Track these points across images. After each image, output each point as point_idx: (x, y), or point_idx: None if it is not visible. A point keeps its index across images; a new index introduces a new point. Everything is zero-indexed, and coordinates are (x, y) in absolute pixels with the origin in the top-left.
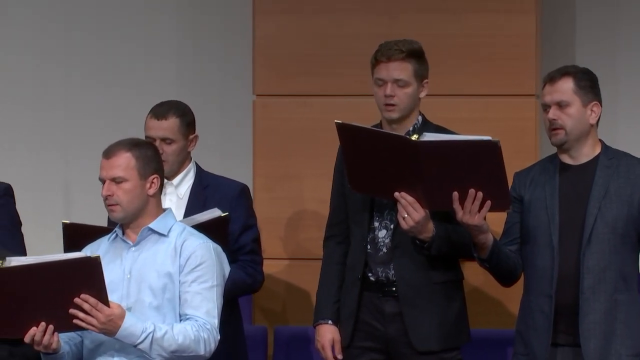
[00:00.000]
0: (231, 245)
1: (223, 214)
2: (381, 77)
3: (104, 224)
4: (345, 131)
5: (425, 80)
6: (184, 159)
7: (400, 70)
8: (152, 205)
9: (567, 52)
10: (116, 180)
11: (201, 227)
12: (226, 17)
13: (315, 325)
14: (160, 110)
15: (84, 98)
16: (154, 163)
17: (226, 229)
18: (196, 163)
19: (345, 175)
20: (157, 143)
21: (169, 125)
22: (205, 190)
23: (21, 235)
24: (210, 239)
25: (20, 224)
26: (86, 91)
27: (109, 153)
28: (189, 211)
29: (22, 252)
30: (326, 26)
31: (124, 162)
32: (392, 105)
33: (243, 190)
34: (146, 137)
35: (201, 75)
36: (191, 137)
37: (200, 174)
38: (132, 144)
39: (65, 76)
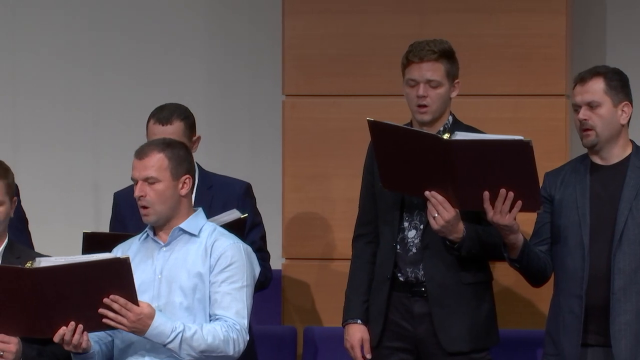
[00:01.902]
0: None
1: (242, 216)
2: (413, 78)
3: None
4: (377, 129)
5: (457, 80)
6: None
7: (433, 70)
8: (183, 205)
9: (598, 52)
10: (149, 181)
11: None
12: (256, 18)
13: (344, 324)
14: (164, 115)
15: (113, 98)
16: (186, 163)
17: (243, 230)
18: (198, 164)
19: (377, 173)
20: None
21: (175, 130)
22: (210, 190)
23: (29, 232)
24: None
25: (27, 221)
26: (116, 91)
27: (141, 153)
28: None
29: (31, 249)
30: (356, 26)
31: (157, 163)
32: (425, 106)
33: (248, 188)
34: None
35: (231, 76)
36: (194, 138)
37: (203, 174)
38: (165, 145)
39: (95, 76)
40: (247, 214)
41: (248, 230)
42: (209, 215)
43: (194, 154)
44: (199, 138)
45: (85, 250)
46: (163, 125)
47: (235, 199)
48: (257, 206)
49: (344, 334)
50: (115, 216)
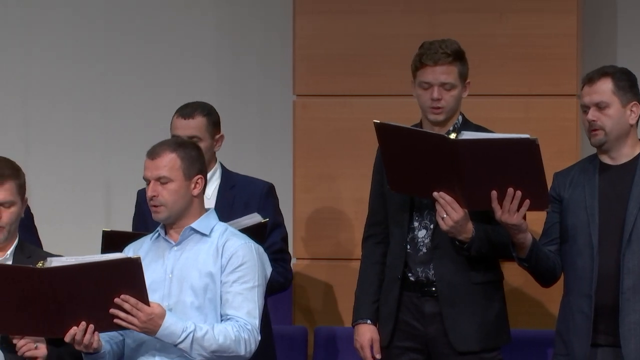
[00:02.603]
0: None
1: (263, 220)
2: (427, 81)
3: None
4: (383, 131)
5: (468, 81)
6: (210, 158)
7: (447, 74)
8: (195, 205)
9: (608, 52)
10: (161, 181)
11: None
12: (266, 18)
13: (354, 324)
14: (187, 110)
15: (123, 98)
16: (199, 163)
17: (264, 234)
18: (221, 163)
19: (385, 176)
20: None
21: (196, 124)
22: (233, 190)
23: (36, 230)
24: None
25: (32, 216)
26: (126, 91)
27: (153, 153)
28: (217, 211)
29: (37, 245)
30: (366, 26)
31: (170, 163)
32: (439, 108)
33: (270, 189)
34: (172, 136)
35: (241, 76)
36: (217, 136)
37: (226, 174)
38: (177, 145)
39: (106, 76)
40: (267, 219)
41: (270, 231)
42: (231, 214)
43: (217, 153)
44: (222, 136)
45: (105, 249)
46: (185, 119)
47: (257, 199)
48: None
49: (353, 334)
50: (137, 213)
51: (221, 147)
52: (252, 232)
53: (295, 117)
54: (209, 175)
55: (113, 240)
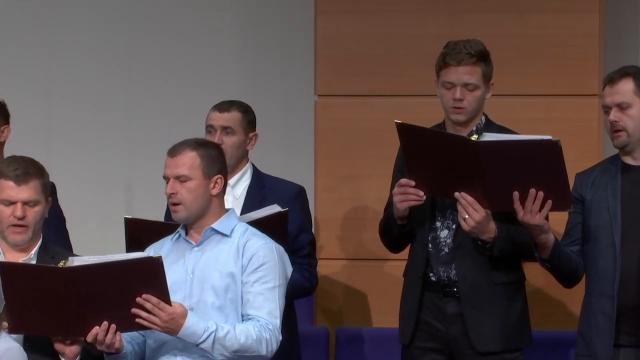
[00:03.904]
0: (289, 245)
1: (283, 210)
2: (450, 81)
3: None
4: (405, 131)
5: (491, 82)
6: (242, 155)
7: (471, 74)
8: (215, 205)
9: (630, 52)
10: (181, 179)
11: (260, 223)
12: (288, 18)
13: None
14: (224, 105)
15: (146, 97)
16: (219, 163)
17: (285, 224)
18: (253, 164)
19: (406, 175)
20: (218, 134)
21: (231, 117)
22: (262, 191)
23: (66, 232)
24: (270, 235)
25: (64, 220)
26: (149, 90)
27: (174, 152)
28: (245, 211)
29: (68, 248)
30: (388, 26)
31: (189, 161)
32: (461, 108)
33: (300, 191)
34: (207, 126)
35: (263, 76)
36: (251, 134)
37: (257, 174)
38: (198, 144)
39: (128, 75)
40: (287, 208)
41: (297, 233)
42: None
43: (253, 153)
44: (256, 135)
45: (128, 237)
46: (221, 112)
47: (286, 201)
48: None
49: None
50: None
51: None
52: (272, 222)
53: (316, 117)
54: (239, 175)
55: (136, 228)
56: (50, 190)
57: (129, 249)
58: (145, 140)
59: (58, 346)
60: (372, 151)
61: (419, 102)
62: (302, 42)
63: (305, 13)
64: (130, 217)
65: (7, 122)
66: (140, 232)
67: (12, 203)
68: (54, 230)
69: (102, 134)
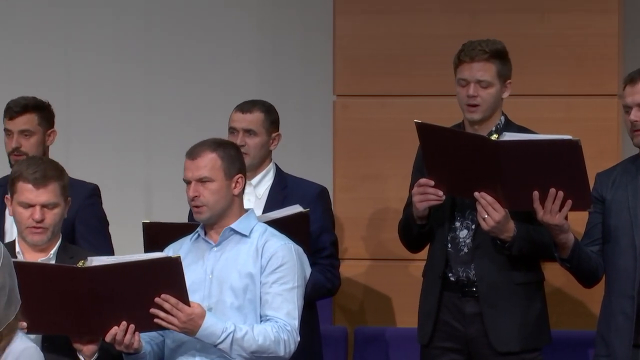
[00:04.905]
0: (310, 246)
1: (304, 210)
2: (464, 78)
3: (185, 221)
4: (424, 131)
5: (509, 81)
6: (264, 155)
7: (484, 71)
8: (235, 205)
9: None
10: (202, 181)
11: (280, 223)
12: (307, 17)
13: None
14: (246, 105)
15: (165, 97)
16: (238, 163)
17: (307, 225)
18: (276, 164)
19: (426, 175)
20: (240, 135)
21: (254, 118)
22: (284, 191)
23: (109, 235)
24: (290, 237)
25: (107, 223)
26: (167, 90)
27: (193, 154)
28: (267, 211)
29: (110, 252)
30: (407, 26)
31: (210, 163)
32: (475, 105)
33: (322, 192)
34: (230, 128)
35: (282, 76)
36: (274, 135)
37: (279, 174)
38: (217, 144)
39: (147, 76)
40: (308, 209)
41: (319, 234)
42: None
43: (273, 152)
44: (279, 135)
45: (147, 241)
46: (243, 112)
47: (308, 201)
48: None
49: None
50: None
51: None
52: (293, 221)
53: (335, 117)
54: (261, 174)
55: (154, 232)
56: (90, 193)
57: (148, 252)
58: (164, 141)
59: (76, 345)
60: (391, 151)
61: (438, 102)
62: (321, 42)
63: (324, 13)
64: (148, 221)
65: (52, 125)
66: (158, 235)
67: (30, 206)
68: (95, 233)
69: (121, 134)
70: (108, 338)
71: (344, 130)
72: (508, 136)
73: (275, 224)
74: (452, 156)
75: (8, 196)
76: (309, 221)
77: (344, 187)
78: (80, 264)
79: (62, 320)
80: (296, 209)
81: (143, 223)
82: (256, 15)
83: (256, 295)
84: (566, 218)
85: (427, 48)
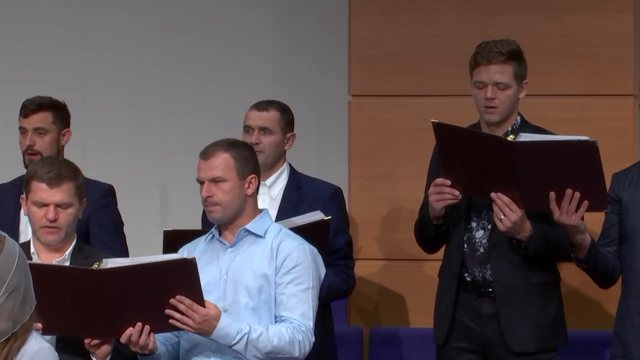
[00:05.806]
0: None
1: (325, 218)
2: (481, 80)
3: (199, 222)
4: (441, 131)
5: (525, 81)
6: (279, 155)
7: (501, 73)
8: (249, 205)
9: None
10: (216, 181)
11: (301, 230)
12: (322, 18)
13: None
14: (262, 104)
15: (180, 98)
16: (252, 163)
17: (327, 233)
18: (290, 164)
19: (442, 175)
20: (255, 133)
21: (269, 116)
22: (298, 191)
23: (123, 236)
24: (309, 241)
25: (122, 224)
26: (183, 91)
27: (206, 154)
28: (282, 212)
29: (124, 253)
30: (422, 26)
31: (223, 163)
32: (493, 107)
33: (336, 192)
34: (245, 127)
35: (297, 76)
36: (289, 134)
37: (294, 175)
38: (230, 145)
39: (162, 76)
40: (330, 217)
41: (333, 234)
42: (294, 215)
43: (288, 153)
44: (294, 135)
45: (167, 249)
46: (259, 111)
47: (321, 202)
48: None
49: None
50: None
51: None
52: (313, 229)
53: (350, 117)
54: (276, 175)
55: (175, 239)
56: (105, 193)
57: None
58: (179, 140)
59: (89, 346)
60: (406, 151)
61: (453, 103)
62: (336, 42)
63: (339, 14)
64: (169, 229)
65: (67, 125)
66: (177, 243)
67: (44, 205)
68: (110, 233)
69: (136, 133)
70: (123, 339)
71: (359, 131)
72: (524, 137)
73: (296, 230)
74: (469, 156)
75: (23, 196)
76: (329, 229)
77: (359, 187)
78: (95, 266)
79: (76, 322)
80: (317, 215)
81: (164, 231)
82: (272, 15)
83: (271, 296)
84: (582, 219)
85: (442, 48)
